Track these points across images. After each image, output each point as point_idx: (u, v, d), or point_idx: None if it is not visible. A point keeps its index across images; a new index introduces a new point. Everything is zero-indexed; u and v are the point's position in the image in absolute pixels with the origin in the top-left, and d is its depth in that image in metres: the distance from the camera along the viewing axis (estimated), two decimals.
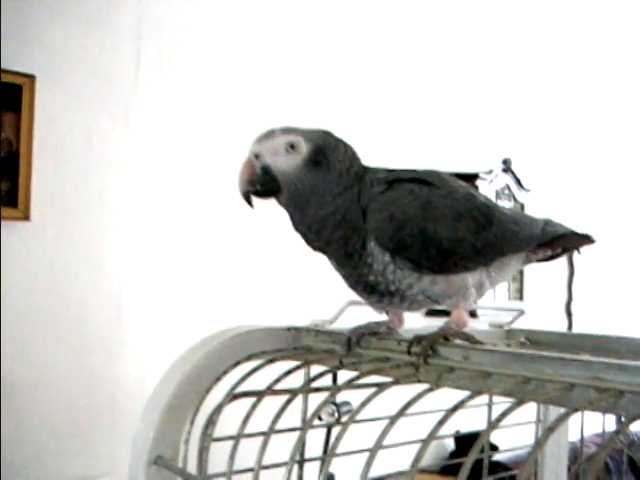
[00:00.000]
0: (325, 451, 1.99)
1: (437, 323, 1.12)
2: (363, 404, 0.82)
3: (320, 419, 2.35)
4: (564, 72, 4.80)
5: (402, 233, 1.05)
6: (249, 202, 1.12)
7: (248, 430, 0.99)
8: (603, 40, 4.98)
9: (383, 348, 1.01)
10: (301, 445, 1.18)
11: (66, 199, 2.66)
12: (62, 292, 2.64)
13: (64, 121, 2.65)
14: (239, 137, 3.02)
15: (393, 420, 0.77)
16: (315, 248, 1.12)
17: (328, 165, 1.08)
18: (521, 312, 1.50)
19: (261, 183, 1.09)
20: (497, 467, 3.18)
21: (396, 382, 0.86)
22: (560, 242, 1.24)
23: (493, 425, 0.74)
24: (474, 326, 1.52)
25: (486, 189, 3.90)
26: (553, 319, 4.68)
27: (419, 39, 3.88)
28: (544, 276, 4.52)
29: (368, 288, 1.11)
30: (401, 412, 0.77)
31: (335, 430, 1.79)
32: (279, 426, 0.98)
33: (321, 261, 1.18)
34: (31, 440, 2.52)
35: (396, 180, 1.09)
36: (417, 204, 1.06)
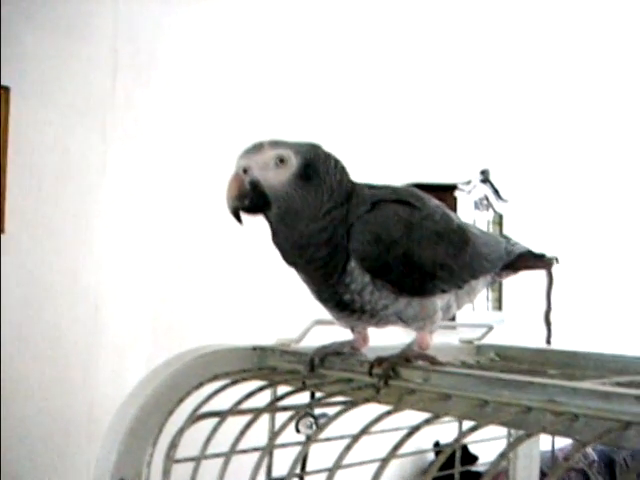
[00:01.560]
0: (303, 466, 1.99)
1: (404, 342, 1.13)
2: (321, 427, 0.82)
3: (298, 431, 2.36)
4: (541, 83, 4.83)
5: (387, 256, 1.04)
6: (238, 218, 1.09)
7: (217, 449, 0.99)
8: (581, 51, 5.02)
9: (346, 369, 1.02)
10: (268, 465, 1.18)
11: (41, 211, 2.64)
12: (38, 304, 2.62)
13: (39, 133, 2.64)
14: (217, 148, 3.04)
15: (350, 445, 0.77)
16: (290, 264, 1.11)
17: (319, 179, 1.06)
18: (490, 328, 1.51)
19: (250, 199, 1.06)
20: (477, 478, 3.20)
21: (355, 404, 0.86)
22: (521, 262, 1.26)
23: (453, 446, 0.74)
24: (445, 342, 1.53)
25: (464, 200, 3.91)
26: (532, 329, 4.70)
27: (397, 51, 3.89)
28: (523, 286, 4.54)
29: (341, 305, 1.10)
30: (358, 436, 0.77)
31: (312, 444, 1.78)
32: (248, 446, 0.98)
33: (289, 279, 1.18)
34: (5, 453, 2.49)
35: (380, 200, 1.09)
36: (401, 227, 1.06)
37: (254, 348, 1.15)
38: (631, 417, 0.73)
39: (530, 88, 4.76)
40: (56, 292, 2.67)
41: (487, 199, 4.10)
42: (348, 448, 0.76)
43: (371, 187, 1.13)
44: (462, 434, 0.72)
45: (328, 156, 1.10)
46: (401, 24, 3.92)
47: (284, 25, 3.40)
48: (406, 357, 0.99)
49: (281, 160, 1.05)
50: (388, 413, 0.87)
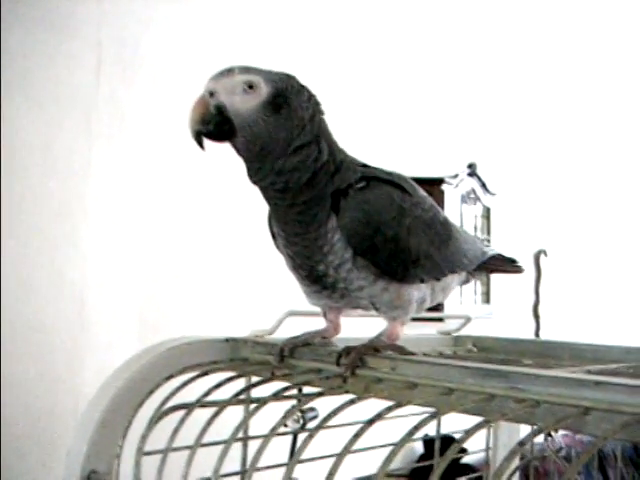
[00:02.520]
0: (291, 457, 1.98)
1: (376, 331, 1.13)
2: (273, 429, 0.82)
3: (286, 425, 2.36)
4: (527, 75, 4.84)
5: (376, 237, 1.03)
6: (200, 144, 1.04)
7: (192, 441, 0.99)
8: (565, 44, 5.03)
9: (315, 359, 1.02)
10: (242, 456, 1.18)
11: (26, 208, 2.63)
12: (23, 301, 2.61)
13: (23, 129, 2.63)
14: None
15: (311, 434, 0.78)
16: (271, 202, 1.06)
17: (290, 110, 1.01)
18: (468, 319, 1.51)
19: (214, 123, 1.00)
20: (466, 469, 3.21)
21: (321, 394, 0.86)
22: (493, 264, 1.27)
23: (404, 440, 0.75)
24: (423, 333, 1.54)
25: (452, 194, 3.91)
26: (521, 322, 4.71)
27: (383, 46, 3.89)
28: (511, 279, 4.55)
29: (312, 276, 1.07)
30: (317, 428, 0.77)
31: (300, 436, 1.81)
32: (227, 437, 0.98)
33: (269, 269, 1.17)
34: None
35: (374, 178, 1.07)
36: (393, 210, 1.05)
37: (227, 340, 1.15)
38: (590, 403, 0.74)
39: (516, 81, 4.76)
40: (41, 289, 2.66)
41: (474, 192, 4.11)
42: (309, 437, 0.76)
43: (365, 166, 1.12)
44: (407, 434, 0.72)
45: (302, 88, 1.06)
46: (385, 22, 3.92)
47: (272, 21, 3.39)
48: (374, 347, 0.99)
49: (250, 86, 1.00)
50: (352, 402, 0.87)
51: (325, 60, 3.57)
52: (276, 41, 3.40)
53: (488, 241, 4.25)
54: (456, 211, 3.98)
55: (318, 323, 1.19)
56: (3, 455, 2.52)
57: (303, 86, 1.07)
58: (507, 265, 1.31)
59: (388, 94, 3.89)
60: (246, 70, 1.02)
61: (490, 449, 1.65)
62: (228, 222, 3.13)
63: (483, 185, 4.13)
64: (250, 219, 3.07)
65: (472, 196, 4.10)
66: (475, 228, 4.17)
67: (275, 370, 1.04)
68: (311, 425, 2.05)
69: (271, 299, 2.98)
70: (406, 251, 1.06)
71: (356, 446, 0.79)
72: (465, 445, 2.42)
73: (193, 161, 3.01)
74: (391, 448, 0.76)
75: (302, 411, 2.48)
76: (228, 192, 3.05)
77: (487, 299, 4.27)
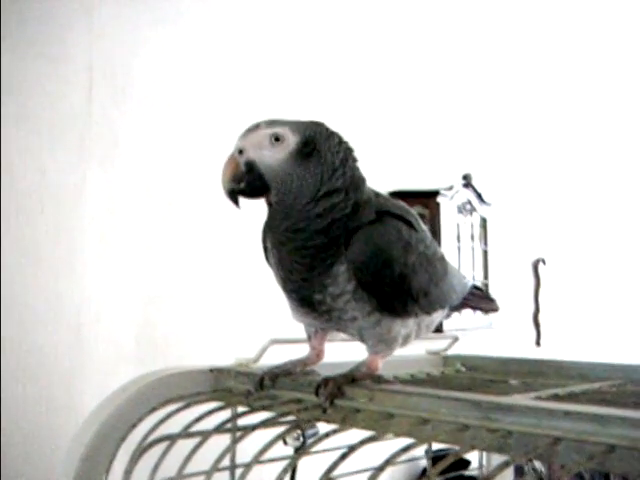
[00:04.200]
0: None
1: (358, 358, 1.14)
2: (261, 453, 0.83)
3: (285, 443, 2.36)
4: (520, 86, 4.86)
5: (383, 271, 1.02)
6: (235, 202, 1.03)
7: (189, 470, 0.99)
8: (561, 57, 5.04)
9: (295, 389, 1.02)
10: None
11: (21, 231, 2.64)
12: (20, 325, 2.62)
13: (17, 153, 2.65)
14: (196, 166, 3.05)
15: (297, 457, 0.78)
16: (275, 241, 1.05)
17: (319, 157, 1.01)
18: (456, 339, 1.52)
19: (246, 180, 1.01)
20: None
21: (298, 426, 0.87)
22: (470, 300, 1.27)
23: (381, 469, 0.75)
24: (411, 353, 1.54)
25: (447, 205, 3.92)
26: (521, 331, 4.72)
27: (378, 58, 3.91)
28: (510, 289, 4.55)
29: (305, 302, 1.07)
30: (299, 454, 0.78)
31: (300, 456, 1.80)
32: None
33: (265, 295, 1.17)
34: None
35: (385, 212, 1.06)
36: (401, 247, 1.04)
37: (211, 370, 1.16)
38: (561, 433, 0.74)
39: (508, 91, 4.78)
40: (38, 312, 2.67)
41: (470, 203, 4.11)
42: (292, 462, 0.77)
43: (378, 195, 1.11)
44: (384, 463, 0.73)
45: (331, 134, 1.05)
46: (382, 36, 3.94)
47: (262, 43, 3.41)
48: (353, 377, 0.99)
49: (277, 138, 1.00)
50: (334, 432, 0.88)
51: (321, 74, 3.58)
52: (268, 61, 3.41)
53: (486, 252, 4.26)
54: (452, 223, 3.99)
55: (302, 350, 1.20)
56: (2, 478, 2.53)
57: (333, 132, 1.06)
58: (483, 302, 1.31)
59: (382, 108, 3.91)
60: (272, 123, 1.02)
61: (484, 467, 1.65)
62: (220, 248, 3.14)
63: (479, 196, 4.14)
64: (238, 247, 3.09)
65: (468, 207, 4.11)
66: (472, 238, 4.17)
67: (254, 401, 1.04)
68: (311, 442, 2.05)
69: (260, 323, 2.99)
70: (409, 287, 1.06)
71: (340, 470, 0.80)
72: (469, 457, 2.40)
73: (189, 181, 3.03)
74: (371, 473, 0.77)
75: (302, 429, 2.49)
76: (220, 218, 3.07)
77: None
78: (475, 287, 1.29)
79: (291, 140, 1.00)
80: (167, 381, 1.09)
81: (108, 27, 2.92)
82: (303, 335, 1.21)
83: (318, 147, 1.01)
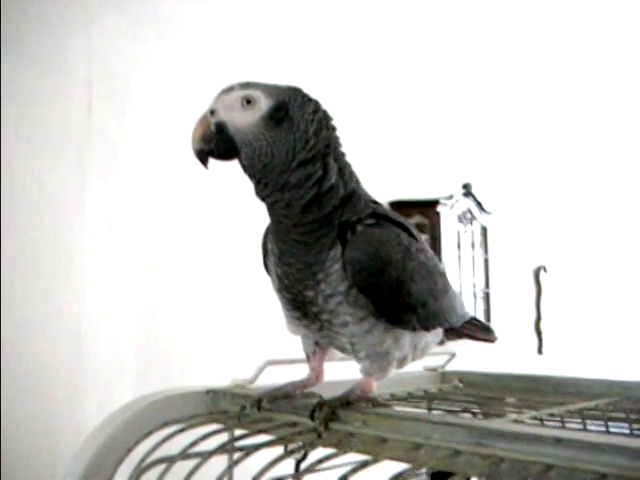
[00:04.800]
0: None
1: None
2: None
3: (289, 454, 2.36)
4: (519, 94, 4.86)
5: (382, 275, 1.01)
6: (203, 162, 1.03)
7: None
8: (560, 67, 5.05)
9: (291, 412, 1.03)
10: None
11: (20, 246, 2.65)
12: (20, 340, 2.62)
13: (17, 167, 2.65)
14: (195, 178, 3.06)
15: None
16: (275, 220, 1.04)
17: (292, 124, 0.99)
18: (453, 355, 1.52)
19: (216, 141, 1.00)
20: None
21: (289, 453, 0.87)
22: (468, 329, 1.26)
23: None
24: (409, 370, 1.54)
25: (448, 214, 3.93)
26: (523, 339, 4.71)
27: (377, 68, 3.92)
28: (511, 296, 4.55)
29: (296, 302, 1.05)
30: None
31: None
32: None
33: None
34: None
35: (384, 217, 1.06)
36: (400, 250, 1.04)
37: (207, 391, 1.16)
38: (552, 460, 0.75)
39: (508, 101, 4.78)
40: (39, 327, 2.67)
41: (470, 212, 4.12)
42: None
43: (375, 202, 1.10)
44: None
45: (307, 101, 1.03)
46: (383, 45, 3.95)
47: (259, 57, 3.42)
48: (347, 400, 0.99)
49: (248, 101, 0.99)
50: (327, 458, 0.88)
51: (321, 83, 3.58)
52: (268, 73, 3.42)
53: (486, 261, 4.26)
54: (453, 232, 3.99)
55: (298, 370, 1.20)
56: None
57: (310, 99, 1.04)
58: (481, 331, 1.31)
59: (382, 118, 3.91)
60: (245, 86, 1.01)
61: None
62: (219, 258, 3.15)
63: (479, 205, 4.14)
64: (238, 257, 3.09)
65: (468, 216, 4.12)
66: (473, 247, 4.17)
67: (250, 423, 1.04)
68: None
69: (259, 330, 2.99)
70: (407, 294, 1.04)
71: None
72: None
73: (188, 194, 3.04)
74: None
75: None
76: (219, 231, 3.09)
77: (488, 317, 4.26)
78: (474, 319, 1.29)
79: (263, 103, 0.99)
80: (163, 404, 1.10)
81: (107, 40, 2.94)
82: (299, 356, 1.22)
83: (291, 113, 1.00)
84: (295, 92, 1.03)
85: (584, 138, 5.30)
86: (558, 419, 1.16)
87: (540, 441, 0.77)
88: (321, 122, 1.03)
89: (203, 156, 1.01)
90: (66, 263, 2.77)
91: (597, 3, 4.81)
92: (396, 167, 3.95)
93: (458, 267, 4.02)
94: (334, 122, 1.07)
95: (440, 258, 3.83)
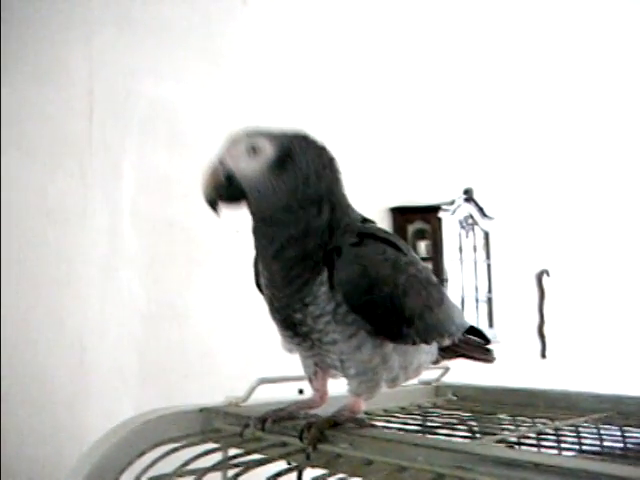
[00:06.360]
0: None
1: None
2: None
3: (289, 463, 2.37)
4: (521, 101, 4.86)
5: (374, 291, 1.02)
6: (215, 209, 1.06)
7: None
8: (561, 72, 5.05)
9: (281, 432, 1.04)
10: None
11: (24, 255, 2.67)
12: (23, 349, 2.64)
13: (19, 178, 2.67)
14: (195, 188, 3.07)
15: None
16: (260, 252, 1.07)
17: (295, 169, 1.03)
18: (447, 369, 1.53)
19: (226, 190, 1.04)
20: None
21: (278, 475, 0.88)
22: (465, 348, 1.26)
23: None
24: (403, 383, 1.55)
25: (449, 220, 3.94)
26: (526, 343, 4.71)
27: (379, 73, 3.93)
28: (514, 300, 4.56)
29: (287, 322, 1.07)
30: None
31: None
32: None
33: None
34: None
35: (369, 234, 1.07)
36: (388, 265, 1.05)
37: (201, 410, 1.17)
38: None
39: (510, 106, 4.79)
40: (41, 336, 2.69)
41: (472, 218, 4.12)
42: None
43: (365, 220, 1.12)
44: None
45: (311, 145, 1.06)
46: (380, 50, 3.96)
47: (260, 69, 3.43)
48: (335, 421, 1.00)
49: (255, 149, 1.02)
50: (328, 476, 0.90)
51: (323, 90, 3.60)
52: (269, 84, 3.44)
53: (489, 266, 4.26)
54: (454, 237, 4.00)
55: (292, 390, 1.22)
56: None
57: (315, 143, 1.07)
58: (478, 352, 1.31)
59: (383, 125, 3.92)
60: (252, 134, 1.04)
61: None
62: (220, 267, 3.17)
63: (480, 210, 4.14)
64: (238, 275, 3.11)
65: (470, 221, 4.12)
66: (475, 252, 4.18)
67: (243, 443, 1.04)
68: None
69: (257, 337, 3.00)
70: (401, 308, 1.05)
71: None
72: None
73: (188, 205, 3.05)
74: None
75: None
76: (220, 242, 3.11)
77: (490, 323, 4.26)
78: (473, 328, 1.30)
79: (268, 151, 1.02)
80: (156, 424, 1.11)
81: (108, 52, 2.96)
82: (292, 374, 1.23)
83: (294, 158, 1.03)
84: (299, 138, 1.06)
85: (585, 142, 5.30)
86: (554, 436, 1.17)
87: (520, 466, 0.78)
88: (324, 166, 1.06)
89: (215, 204, 1.06)
90: (68, 272, 2.79)
91: (597, 6, 4.82)
92: (397, 173, 3.96)
93: (460, 272, 4.03)
94: (338, 166, 1.10)
95: (442, 264, 3.84)
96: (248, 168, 1.03)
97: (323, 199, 1.04)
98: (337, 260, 1.02)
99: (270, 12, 3.51)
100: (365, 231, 1.07)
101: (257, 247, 1.08)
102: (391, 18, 4.04)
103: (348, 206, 1.11)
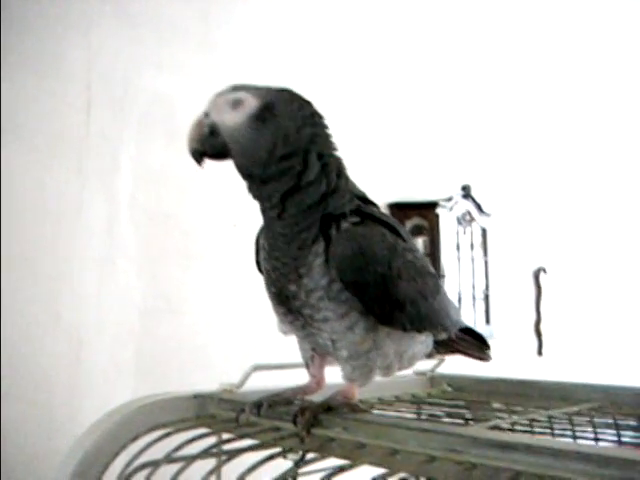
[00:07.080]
0: None
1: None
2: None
3: (285, 457, 2.37)
4: (519, 97, 4.87)
5: (367, 271, 1.02)
6: (199, 162, 1.08)
7: None
8: (559, 68, 5.06)
9: (275, 417, 1.04)
10: None
11: (19, 250, 2.67)
12: (20, 344, 2.64)
13: (16, 171, 2.67)
14: (193, 182, 3.08)
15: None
16: (265, 215, 1.08)
17: (275, 122, 1.03)
18: (442, 359, 1.53)
19: (209, 142, 1.05)
20: None
21: (272, 457, 0.89)
22: (461, 345, 1.27)
23: None
24: (398, 374, 1.56)
25: (447, 216, 3.94)
26: (523, 340, 4.72)
27: (376, 70, 3.93)
28: (511, 298, 4.56)
29: (281, 296, 1.08)
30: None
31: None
32: None
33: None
34: None
35: (370, 216, 1.08)
36: (385, 248, 1.05)
37: (195, 396, 1.18)
38: (522, 467, 0.76)
39: (507, 102, 4.79)
40: (38, 330, 2.69)
41: (470, 214, 4.13)
42: None
43: (364, 199, 1.12)
44: None
45: (294, 100, 1.07)
46: (378, 47, 3.96)
47: (259, 63, 3.43)
48: (329, 405, 1.01)
49: (238, 102, 1.04)
50: (312, 461, 0.90)
51: (320, 85, 3.60)
52: (266, 79, 3.43)
53: (486, 262, 4.27)
54: (452, 234, 4.00)
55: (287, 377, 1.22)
56: None
57: (298, 98, 1.08)
58: (474, 349, 1.31)
59: (381, 120, 3.93)
60: (236, 88, 1.06)
61: None
62: (218, 260, 3.17)
63: (478, 206, 4.15)
64: (235, 267, 3.11)
65: (467, 218, 4.12)
66: (472, 249, 4.18)
67: (237, 428, 1.05)
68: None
69: (253, 326, 3.00)
70: (393, 291, 1.05)
71: None
72: None
73: (186, 199, 3.06)
74: None
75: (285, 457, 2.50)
76: (217, 233, 3.11)
77: (487, 319, 4.27)
78: (470, 329, 1.30)
79: (251, 104, 1.03)
80: (150, 408, 1.11)
81: (106, 46, 2.95)
82: (287, 360, 1.23)
83: (276, 112, 1.03)
84: (283, 92, 1.07)
85: (583, 139, 5.31)
86: (547, 424, 1.17)
87: (511, 448, 0.78)
88: (305, 119, 1.06)
89: (198, 156, 1.07)
90: (65, 266, 2.79)
91: (597, 4, 4.82)
92: (395, 169, 3.97)
93: (458, 269, 4.03)
94: (324, 121, 1.11)
95: (439, 260, 3.84)
96: (230, 120, 1.04)
97: (309, 152, 1.05)
98: (335, 235, 1.03)
99: (270, 5, 3.52)
100: (366, 211, 1.08)
101: (261, 210, 1.09)
102: (390, 15, 4.04)
103: (342, 171, 1.12)
